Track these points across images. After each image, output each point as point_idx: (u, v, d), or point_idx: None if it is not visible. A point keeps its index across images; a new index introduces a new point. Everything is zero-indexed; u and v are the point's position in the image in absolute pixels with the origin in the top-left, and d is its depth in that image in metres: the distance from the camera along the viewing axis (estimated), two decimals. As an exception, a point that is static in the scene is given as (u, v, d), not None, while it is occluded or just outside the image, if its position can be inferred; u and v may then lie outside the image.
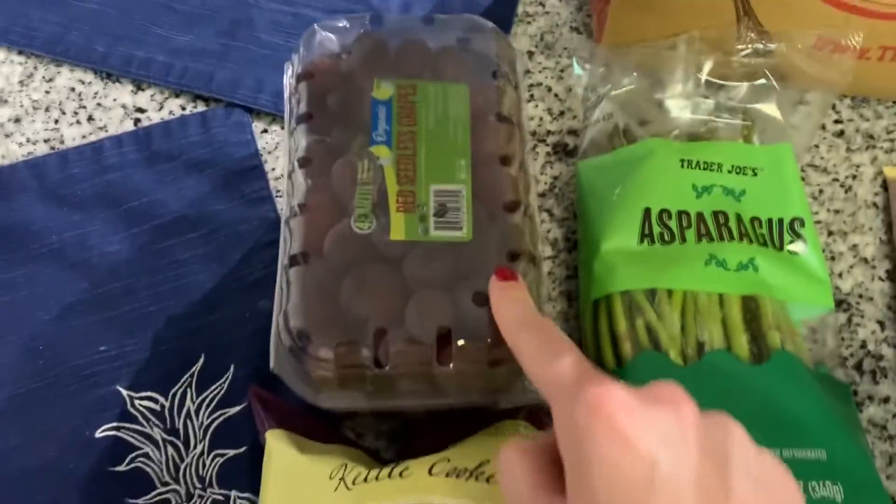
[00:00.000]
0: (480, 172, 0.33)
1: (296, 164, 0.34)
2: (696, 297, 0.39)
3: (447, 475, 0.31)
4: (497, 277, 0.30)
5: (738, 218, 0.41)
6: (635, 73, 0.44)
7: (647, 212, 0.41)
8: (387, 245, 0.31)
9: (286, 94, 0.38)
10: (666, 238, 0.41)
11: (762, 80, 0.45)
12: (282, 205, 0.45)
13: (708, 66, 0.45)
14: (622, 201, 0.41)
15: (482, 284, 0.31)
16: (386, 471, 0.31)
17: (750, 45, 0.44)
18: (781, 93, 0.45)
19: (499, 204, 0.33)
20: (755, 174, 0.43)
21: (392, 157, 0.33)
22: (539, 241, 0.35)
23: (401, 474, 0.31)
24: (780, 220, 0.42)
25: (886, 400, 0.42)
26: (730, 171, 0.42)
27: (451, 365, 0.30)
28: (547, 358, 0.26)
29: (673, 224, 0.41)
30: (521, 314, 0.29)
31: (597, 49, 0.47)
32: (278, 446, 0.33)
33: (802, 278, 0.41)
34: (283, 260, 0.33)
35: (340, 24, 0.37)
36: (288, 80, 0.38)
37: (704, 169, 0.42)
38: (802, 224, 0.41)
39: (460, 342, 0.30)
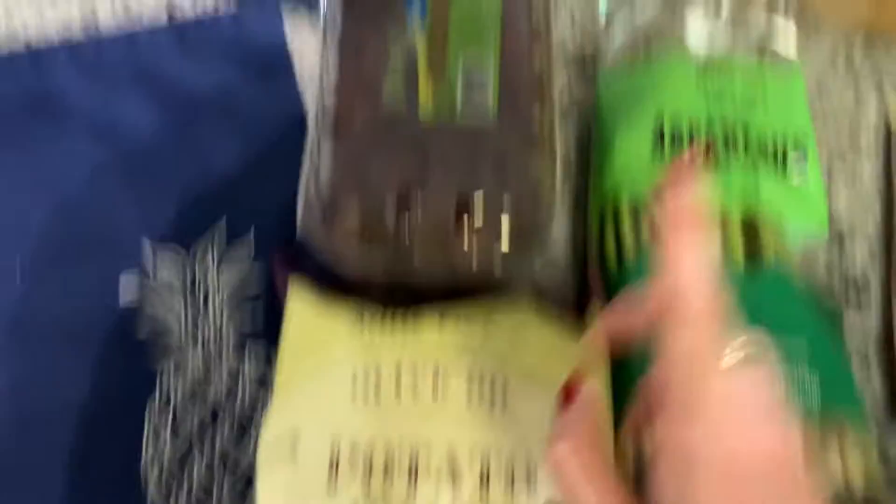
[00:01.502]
0: (508, 54, 0.34)
1: (329, 41, 0.36)
2: (700, 205, 0.41)
3: (455, 325, 0.33)
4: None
5: (746, 136, 0.43)
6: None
7: (661, 123, 0.43)
8: (415, 124, 0.33)
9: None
10: (678, 150, 0.42)
11: (779, 15, 0.46)
12: (308, 99, 0.47)
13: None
14: (634, 108, 0.43)
15: (501, 162, 0.33)
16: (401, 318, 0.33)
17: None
18: (797, 28, 0.46)
19: (523, 86, 0.34)
20: (764, 93, 0.44)
21: (425, 33, 0.34)
22: (557, 132, 0.37)
23: (414, 325, 0.33)
24: (785, 141, 0.43)
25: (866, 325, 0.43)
26: (742, 86, 0.44)
27: (466, 239, 0.32)
28: None
29: (683, 136, 0.43)
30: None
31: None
32: (299, 292, 0.35)
33: (800, 198, 0.42)
34: (315, 132, 0.35)
35: None
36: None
37: (718, 79, 0.44)
38: (806, 142, 0.43)
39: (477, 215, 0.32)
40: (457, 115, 0.33)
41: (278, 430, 0.32)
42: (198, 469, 0.38)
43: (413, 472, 0.31)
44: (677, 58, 0.44)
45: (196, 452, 0.38)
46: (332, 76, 0.35)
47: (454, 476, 0.31)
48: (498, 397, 0.32)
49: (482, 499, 0.30)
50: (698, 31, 0.46)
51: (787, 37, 0.46)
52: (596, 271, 0.39)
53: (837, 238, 0.46)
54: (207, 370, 0.40)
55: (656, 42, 0.46)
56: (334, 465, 0.31)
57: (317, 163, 0.34)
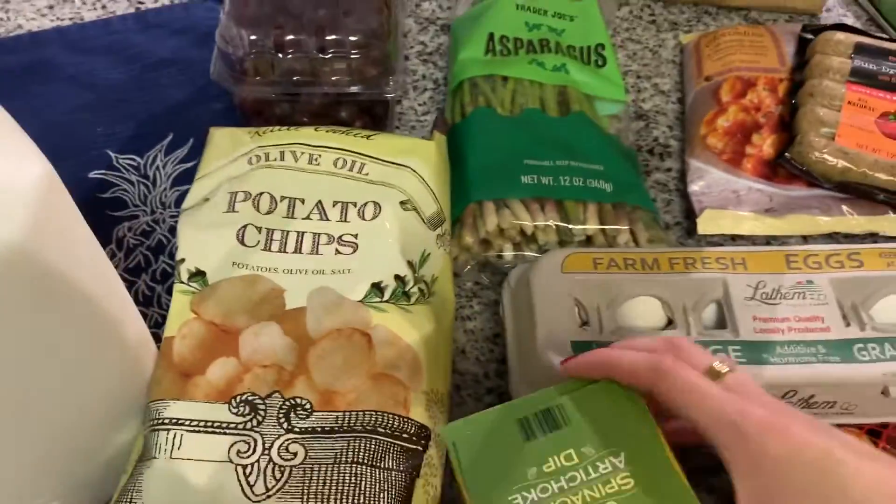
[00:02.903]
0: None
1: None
2: (521, 82, 0.55)
3: (326, 131, 0.46)
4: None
5: (558, 44, 0.58)
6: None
7: (491, 35, 0.58)
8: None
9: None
10: (503, 52, 0.58)
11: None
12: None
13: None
14: (474, 31, 0.59)
15: (350, 5, 0.47)
16: (285, 127, 0.47)
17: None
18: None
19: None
20: (571, 20, 0.60)
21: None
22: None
23: (295, 128, 0.46)
24: (588, 47, 0.59)
25: (669, 170, 0.57)
26: (553, 16, 0.60)
27: (329, 53, 0.46)
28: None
29: (510, 44, 0.58)
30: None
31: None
32: (219, 128, 0.48)
33: (603, 81, 0.57)
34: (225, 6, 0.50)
35: None
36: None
37: (534, 13, 0.60)
38: (603, 48, 0.59)
39: (334, 36, 0.46)
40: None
41: (193, 200, 0.44)
42: (142, 285, 0.50)
43: (290, 211, 0.43)
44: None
45: (142, 277, 0.50)
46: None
47: (321, 216, 0.43)
48: (356, 167, 0.45)
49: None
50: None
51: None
52: (444, 120, 0.53)
53: (644, 120, 0.60)
54: (155, 223, 0.53)
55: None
56: (231, 205, 0.43)
57: (223, 34, 0.49)
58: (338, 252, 0.42)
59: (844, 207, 0.52)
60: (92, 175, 0.55)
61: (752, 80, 0.57)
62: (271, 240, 0.42)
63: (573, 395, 0.34)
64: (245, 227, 0.42)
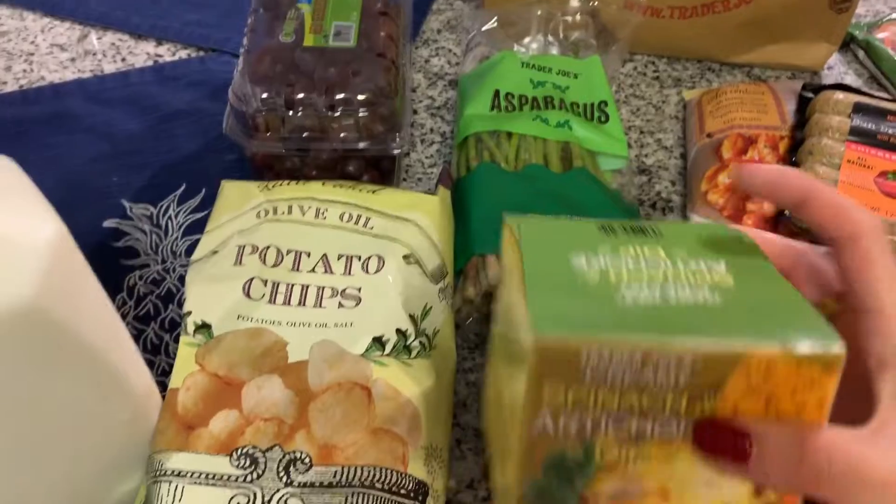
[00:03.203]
0: (366, 20, 0.52)
1: (250, 22, 0.53)
2: (525, 138, 0.57)
3: (334, 186, 0.48)
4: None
5: (562, 101, 0.60)
6: (496, 18, 0.64)
7: (497, 92, 0.60)
8: (302, 48, 0.50)
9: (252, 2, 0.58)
10: (509, 109, 0.59)
11: (584, 33, 0.65)
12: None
13: (552, 24, 0.66)
14: (481, 88, 0.60)
15: (359, 66, 0.49)
16: (294, 182, 0.48)
17: (579, 3, 0.65)
18: (598, 37, 0.64)
19: (376, 37, 0.52)
20: (576, 77, 0.61)
21: (310, 8, 0.52)
22: (404, 67, 0.53)
23: (304, 183, 0.48)
24: (592, 104, 0.60)
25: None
26: (557, 73, 0.61)
27: (338, 110, 0.48)
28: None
29: (515, 101, 0.59)
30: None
31: (479, 10, 0.67)
32: (228, 184, 0.50)
33: (605, 137, 0.58)
34: (240, 59, 0.52)
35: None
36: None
37: (539, 70, 0.61)
38: (606, 104, 0.60)
39: (343, 95, 0.48)
40: (328, 46, 0.50)
41: (202, 252, 0.46)
42: (151, 333, 0.51)
43: (296, 265, 0.44)
44: (508, 56, 0.62)
45: (151, 325, 0.51)
46: (248, 44, 0.52)
47: (325, 269, 0.44)
48: (362, 221, 0.46)
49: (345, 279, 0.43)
50: (524, 45, 0.64)
51: (587, 45, 0.64)
52: (449, 174, 0.54)
53: (647, 174, 0.61)
54: (166, 272, 0.54)
55: (495, 51, 0.64)
56: (239, 258, 0.44)
57: (237, 75, 0.50)
58: (341, 305, 0.43)
59: (844, 265, 0.52)
60: (106, 224, 0.56)
61: (753, 138, 0.58)
62: (276, 293, 0.43)
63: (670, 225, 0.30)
64: (251, 280, 0.43)
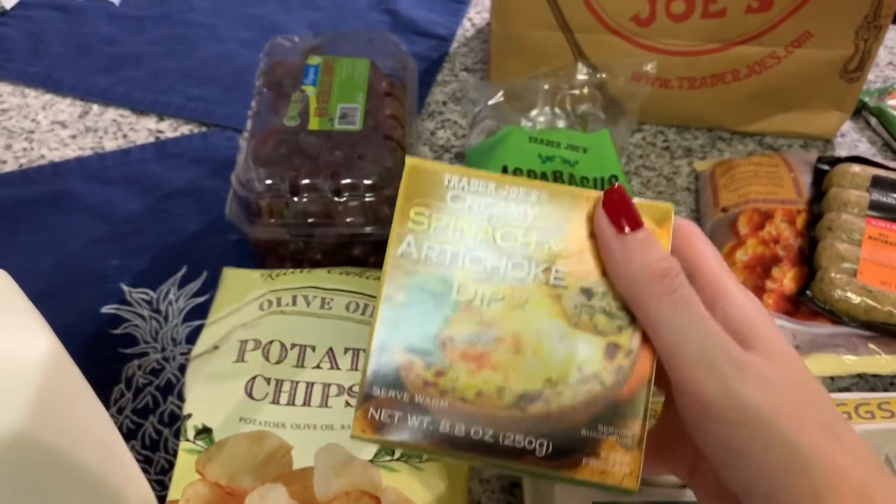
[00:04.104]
0: (371, 101, 0.51)
1: (254, 104, 0.52)
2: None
3: (339, 273, 0.46)
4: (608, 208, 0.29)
5: (571, 176, 0.58)
6: (502, 91, 0.64)
7: (504, 168, 0.58)
8: (307, 131, 0.49)
9: (256, 83, 0.57)
10: (518, 185, 0.58)
11: (592, 106, 0.64)
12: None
13: (559, 97, 0.65)
14: (488, 163, 0.59)
15: (365, 149, 0.48)
16: (298, 270, 0.46)
17: (586, 76, 0.64)
18: (607, 109, 0.63)
19: (382, 118, 0.50)
20: (585, 151, 0.60)
21: (315, 90, 0.51)
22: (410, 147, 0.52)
23: (308, 271, 0.46)
24: (602, 178, 0.59)
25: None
26: (566, 148, 0.60)
27: (344, 196, 0.47)
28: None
29: (522, 175, 0.58)
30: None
31: (485, 83, 0.67)
32: (230, 272, 0.48)
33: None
34: (240, 156, 0.50)
35: (289, 39, 0.58)
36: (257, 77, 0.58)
37: (547, 145, 0.60)
38: (617, 179, 0.58)
39: (349, 180, 0.47)
40: (334, 129, 0.49)
41: (203, 347, 0.44)
42: (150, 427, 0.49)
43: (301, 360, 0.42)
44: (515, 131, 0.61)
45: (149, 419, 0.49)
46: (252, 127, 0.51)
47: (331, 365, 0.42)
48: (368, 310, 0.44)
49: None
50: (531, 119, 0.63)
51: (596, 118, 0.63)
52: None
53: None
54: (165, 360, 0.52)
55: (503, 124, 0.63)
56: (241, 354, 0.42)
57: (241, 160, 0.49)
58: (347, 404, 0.41)
59: (871, 346, 0.50)
60: (104, 310, 0.55)
61: (770, 212, 0.56)
62: (280, 392, 0.41)
63: None
64: (254, 378, 0.41)
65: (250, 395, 0.40)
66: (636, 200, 0.30)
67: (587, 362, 0.28)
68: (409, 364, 0.27)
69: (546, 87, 0.65)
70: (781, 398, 0.26)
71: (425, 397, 0.27)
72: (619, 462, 0.27)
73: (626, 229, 0.29)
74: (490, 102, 0.64)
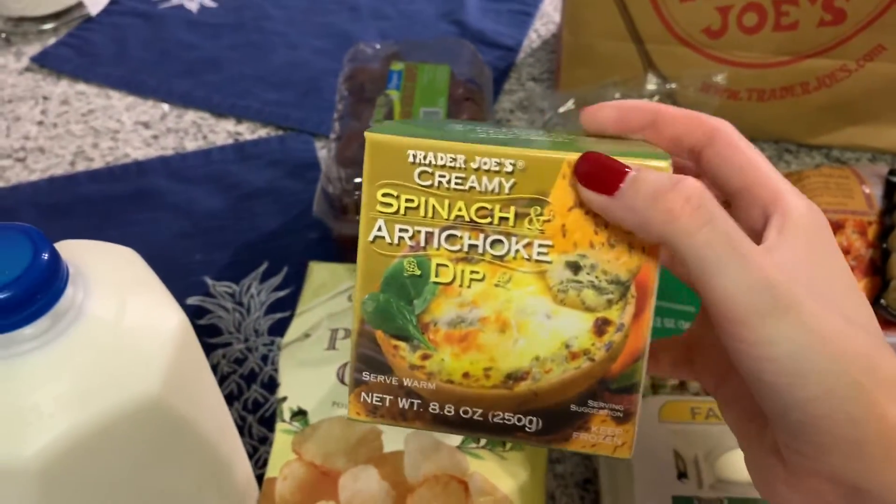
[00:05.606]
0: (451, 106, 0.53)
1: (339, 108, 0.55)
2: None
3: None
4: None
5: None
6: (573, 100, 0.65)
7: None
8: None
9: (339, 87, 0.59)
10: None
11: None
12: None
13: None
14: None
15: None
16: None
17: (656, 86, 0.65)
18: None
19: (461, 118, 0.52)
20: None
21: (399, 95, 0.53)
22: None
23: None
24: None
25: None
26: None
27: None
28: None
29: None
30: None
31: (553, 91, 0.68)
32: (317, 266, 0.50)
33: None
34: (330, 144, 0.52)
35: (370, 46, 0.60)
36: (339, 84, 0.60)
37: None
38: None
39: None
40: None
41: (294, 335, 0.46)
42: (234, 414, 0.50)
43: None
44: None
45: (234, 406, 0.51)
46: (339, 130, 0.53)
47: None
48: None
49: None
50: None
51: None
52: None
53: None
54: (248, 350, 0.54)
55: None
56: (332, 342, 0.44)
57: (326, 174, 0.51)
58: (435, 394, 0.42)
59: (944, 356, 0.50)
60: (189, 301, 0.57)
61: (841, 223, 0.57)
62: (370, 379, 0.42)
63: None
64: (345, 365, 0.43)
65: (342, 381, 0.42)
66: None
67: (575, 339, 0.26)
68: (394, 349, 0.27)
69: (617, 95, 0.67)
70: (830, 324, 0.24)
71: (413, 380, 0.27)
72: (610, 435, 0.27)
73: (619, 185, 0.25)
74: (561, 110, 0.65)
